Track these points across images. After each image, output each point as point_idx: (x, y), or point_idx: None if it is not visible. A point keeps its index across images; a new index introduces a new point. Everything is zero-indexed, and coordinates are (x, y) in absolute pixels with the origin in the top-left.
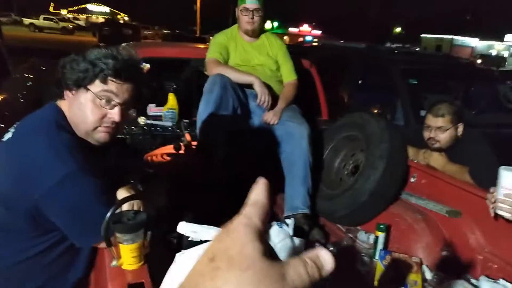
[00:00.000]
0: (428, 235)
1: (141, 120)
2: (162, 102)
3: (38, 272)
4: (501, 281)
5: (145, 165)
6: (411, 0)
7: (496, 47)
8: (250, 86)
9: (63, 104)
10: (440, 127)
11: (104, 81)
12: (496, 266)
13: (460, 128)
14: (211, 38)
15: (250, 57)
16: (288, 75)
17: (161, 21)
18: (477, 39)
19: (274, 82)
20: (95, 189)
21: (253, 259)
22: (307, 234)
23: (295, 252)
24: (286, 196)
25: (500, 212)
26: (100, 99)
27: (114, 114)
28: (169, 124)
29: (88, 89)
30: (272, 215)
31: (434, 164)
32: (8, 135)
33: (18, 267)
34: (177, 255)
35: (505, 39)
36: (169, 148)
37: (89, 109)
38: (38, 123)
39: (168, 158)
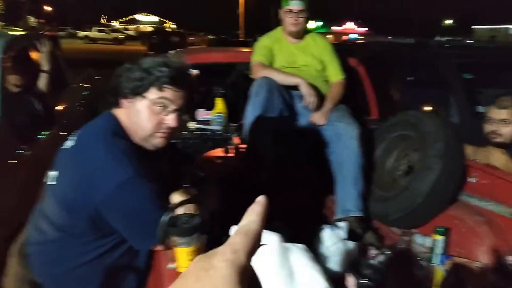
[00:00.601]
0: (491, 239)
1: (191, 124)
2: (210, 106)
3: (98, 274)
4: None
5: (196, 168)
6: None
7: None
8: (296, 87)
9: (119, 112)
10: (503, 120)
11: (160, 89)
12: None
13: None
14: (255, 40)
15: (295, 58)
16: (335, 75)
17: (206, 27)
18: None
19: (321, 82)
20: (151, 193)
21: None
22: (361, 238)
23: (348, 255)
24: (337, 198)
25: None
26: (157, 106)
27: (170, 120)
28: (217, 128)
29: (144, 97)
30: (323, 218)
31: (496, 162)
32: (69, 143)
33: (79, 269)
34: None
35: None
36: (219, 152)
37: (146, 116)
38: (96, 131)
39: (218, 162)
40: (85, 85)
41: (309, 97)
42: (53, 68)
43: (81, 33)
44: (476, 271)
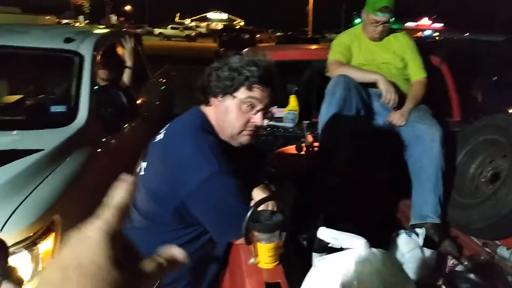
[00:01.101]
0: None
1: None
2: (283, 103)
3: None
4: None
5: (268, 165)
6: None
7: None
8: (374, 85)
9: (207, 109)
10: None
11: (250, 88)
12: None
13: None
14: (323, 37)
15: (374, 56)
16: (417, 73)
17: (274, 24)
18: None
19: (401, 80)
20: (235, 188)
21: (107, 269)
22: (438, 246)
23: (425, 263)
24: (414, 203)
25: None
26: (245, 105)
27: (257, 119)
28: (290, 125)
29: (234, 96)
30: (397, 222)
31: None
32: (159, 137)
33: None
34: (316, 260)
35: None
36: (291, 149)
37: (235, 114)
38: (185, 126)
39: (291, 159)
40: (162, 80)
41: (388, 94)
42: (136, 64)
43: (157, 30)
44: None
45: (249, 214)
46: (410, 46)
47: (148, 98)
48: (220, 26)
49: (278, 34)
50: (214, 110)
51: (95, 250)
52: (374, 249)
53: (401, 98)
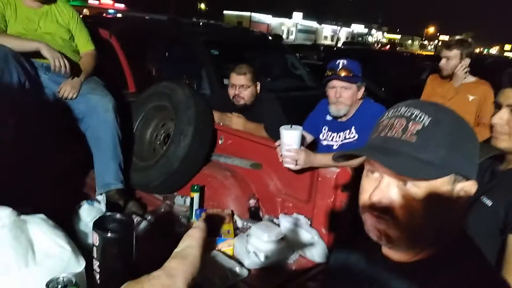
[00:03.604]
0: (236, 188)
1: None
2: None
3: None
4: (295, 215)
5: None
6: None
7: (286, 24)
8: (40, 56)
9: None
10: (243, 85)
11: None
12: (291, 204)
13: (258, 86)
14: None
15: (35, 25)
16: (85, 45)
17: None
18: (270, 16)
19: (69, 52)
20: None
21: None
22: (123, 209)
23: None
24: (96, 173)
25: (285, 165)
26: None
27: None
28: None
29: None
30: (84, 196)
31: (236, 125)
32: None
33: None
34: None
35: (293, 17)
36: None
37: None
38: None
39: None
40: None
41: (56, 60)
42: None
43: None
44: (226, 217)
45: None
46: (75, 18)
47: None
48: None
49: None
50: None
51: None
52: (23, 216)
53: (71, 70)
